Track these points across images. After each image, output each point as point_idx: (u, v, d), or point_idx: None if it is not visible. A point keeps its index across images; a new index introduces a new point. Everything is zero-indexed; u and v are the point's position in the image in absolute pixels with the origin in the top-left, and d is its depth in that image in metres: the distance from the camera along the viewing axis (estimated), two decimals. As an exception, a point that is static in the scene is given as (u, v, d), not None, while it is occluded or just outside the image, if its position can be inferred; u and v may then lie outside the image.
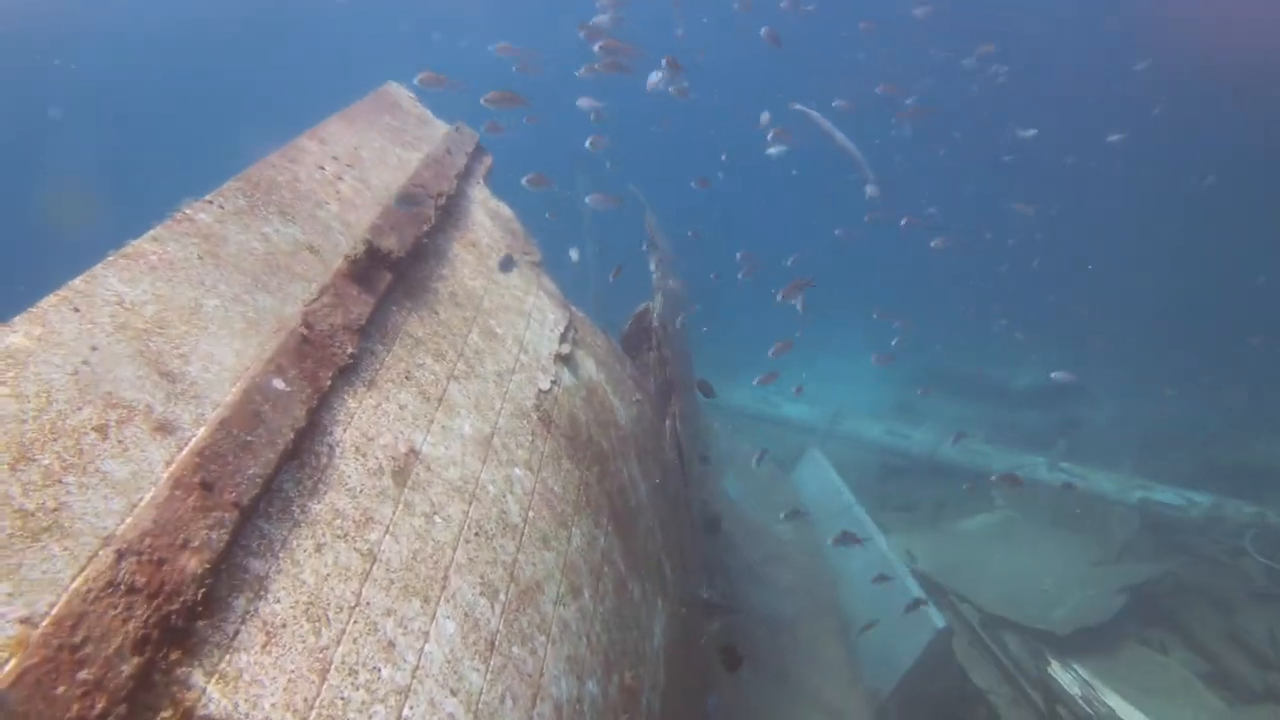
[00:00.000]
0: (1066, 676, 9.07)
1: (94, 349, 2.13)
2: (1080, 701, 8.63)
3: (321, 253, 3.14)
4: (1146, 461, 17.87)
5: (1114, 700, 8.56)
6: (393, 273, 3.24)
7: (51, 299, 2.19)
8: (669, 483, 5.20)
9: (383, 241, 3.22)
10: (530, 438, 3.41)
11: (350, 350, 2.73)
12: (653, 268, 6.71)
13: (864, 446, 19.46)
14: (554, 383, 3.88)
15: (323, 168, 3.74)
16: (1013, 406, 21.86)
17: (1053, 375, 13.42)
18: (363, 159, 4.09)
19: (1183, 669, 11.13)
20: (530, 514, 3.11)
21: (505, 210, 4.96)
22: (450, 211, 4.24)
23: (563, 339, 4.25)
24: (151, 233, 2.64)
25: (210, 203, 2.97)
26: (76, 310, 2.20)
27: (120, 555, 1.69)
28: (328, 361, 2.61)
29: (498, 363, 3.58)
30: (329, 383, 2.57)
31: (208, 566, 1.80)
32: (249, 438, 2.15)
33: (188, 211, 2.84)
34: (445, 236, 4.03)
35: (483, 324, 3.69)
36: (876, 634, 11.32)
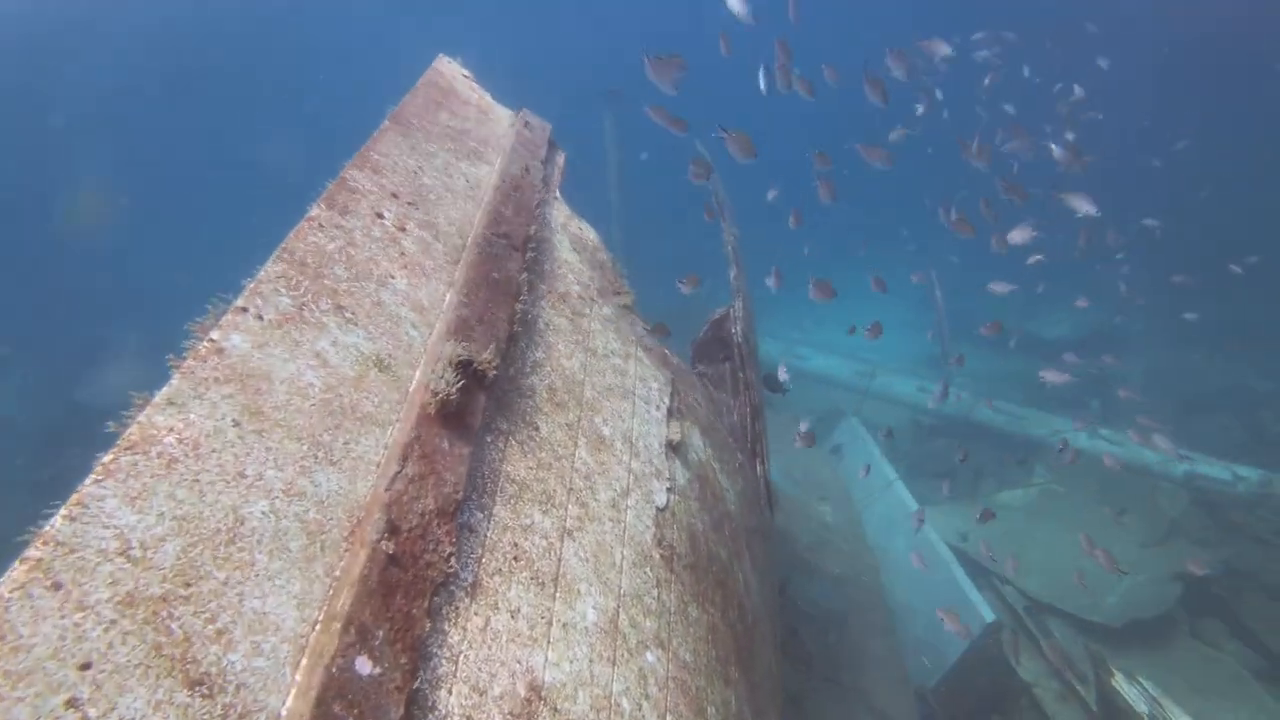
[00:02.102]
0: (1132, 691, 8.56)
1: (85, 668, 1.34)
2: (1146, 720, 8.14)
3: (393, 368, 2.31)
4: (1188, 426, 17.16)
5: (1186, 721, 8.08)
6: (487, 392, 2.40)
7: (19, 573, 1.39)
8: (768, 545, 4.47)
9: (474, 349, 2.37)
10: (656, 592, 2.65)
11: (449, 551, 1.93)
12: (731, 271, 5.80)
13: (895, 403, 18.78)
14: (669, 489, 3.09)
15: (381, 216, 2.85)
16: (1044, 359, 21.02)
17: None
18: (425, 189, 3.18)
19: (1236, 664, 10.67)
20: (669, 718, 2.38)
21: (590, 234, 4.05)
22: (535, 255, 3.35)
23: (670, 415, 3.44)
24: (166, 391, 1.80)
25: (245, 310, 2.12)
26: (58, 587, 1.40)
27: None
28: (422, 585, 1.82)
29: (610, 485, 2.77)
30: (428, 623, 1.78)
31: None
32: (332, 801, 1.38)
33: (215, 336, 1.99)
34: (532, 295, 3.17)
35: (589, 427, 2.87)
36: (924, 624, 10.85)
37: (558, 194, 4.12)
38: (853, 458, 14.00)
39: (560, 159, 4.40)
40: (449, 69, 4.38)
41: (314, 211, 2.64)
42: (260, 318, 2.14)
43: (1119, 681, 8.79)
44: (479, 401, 2.34)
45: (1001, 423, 17.46)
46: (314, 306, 2.30)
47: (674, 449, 3.30)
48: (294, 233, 2.50)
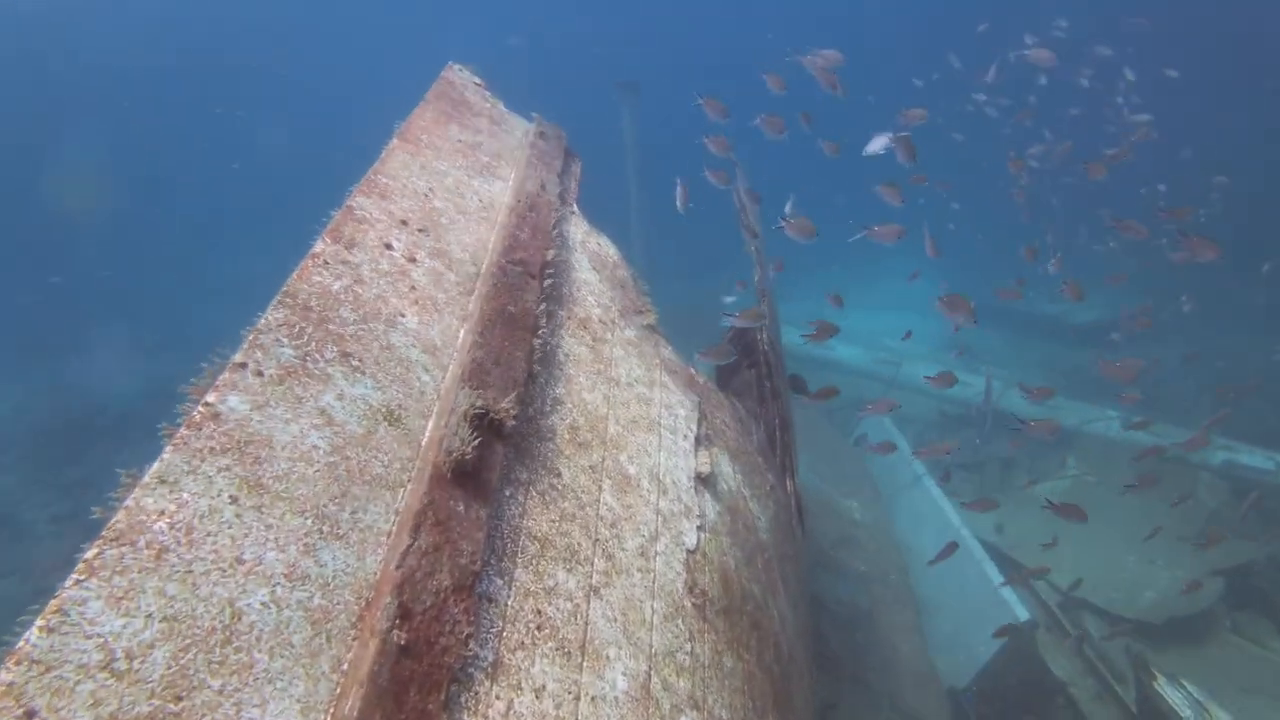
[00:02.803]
0: (1176, 694, 8.29)
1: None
2: (1192, 727, 7.88)
3: (404, 419, 2.15)
4: (1222, 410, 16.69)
5: (1234, 728, 7.81)
6: (505, 441, 2.24)
7: (-15, 703, 1.24)
8: (800, 567, 4.30)
9: (491, 397, 2.20)
10: (689, 646, 2.48)
11: (467, 631, 1.77)
12: (755, 274, 5.59)
13: (920, 392, 18.49)
14: (700, 527, 2.92)
15: (390, 246, 2.68)
16: (1071, 345, 20.57)
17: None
18: (436, 213, 3.02)
19: (1285, 663, 10.34)
20: (705, 788, 2.22)
21: (609, 250, 3.86)
22: (553, 281, 3.18)
23: (698, 444, 3.26)
24: (157, 467, 1.65)
25: (243, 366, 1.96)
26: (32, 715, 1.26)
27: None
28: (438, 675, 1.66)
29: (638, 530, 2.60)
30: (445, 718, 1.62)
31: None
32: None
33: (211, 400, 1.84)
34: (551, 324, 2.99)
35: (613, 468, 2.70)
36: (954, 622, 10.65)
37: (575, 208, 3.94)
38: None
39: (576, 168, 4.21)
40: (459, 78, 4.20)
41: (318, 247, 2.47)
42: (260, 373, 1.98)
43: (1161, 684, 8.51)
44: (497, 455, 2.17)
45: (1032, 413, 17.16)
46: (318, 356, 2.14)
47: (703, 481, 3.12)
48: (297, 273, 2.34)
